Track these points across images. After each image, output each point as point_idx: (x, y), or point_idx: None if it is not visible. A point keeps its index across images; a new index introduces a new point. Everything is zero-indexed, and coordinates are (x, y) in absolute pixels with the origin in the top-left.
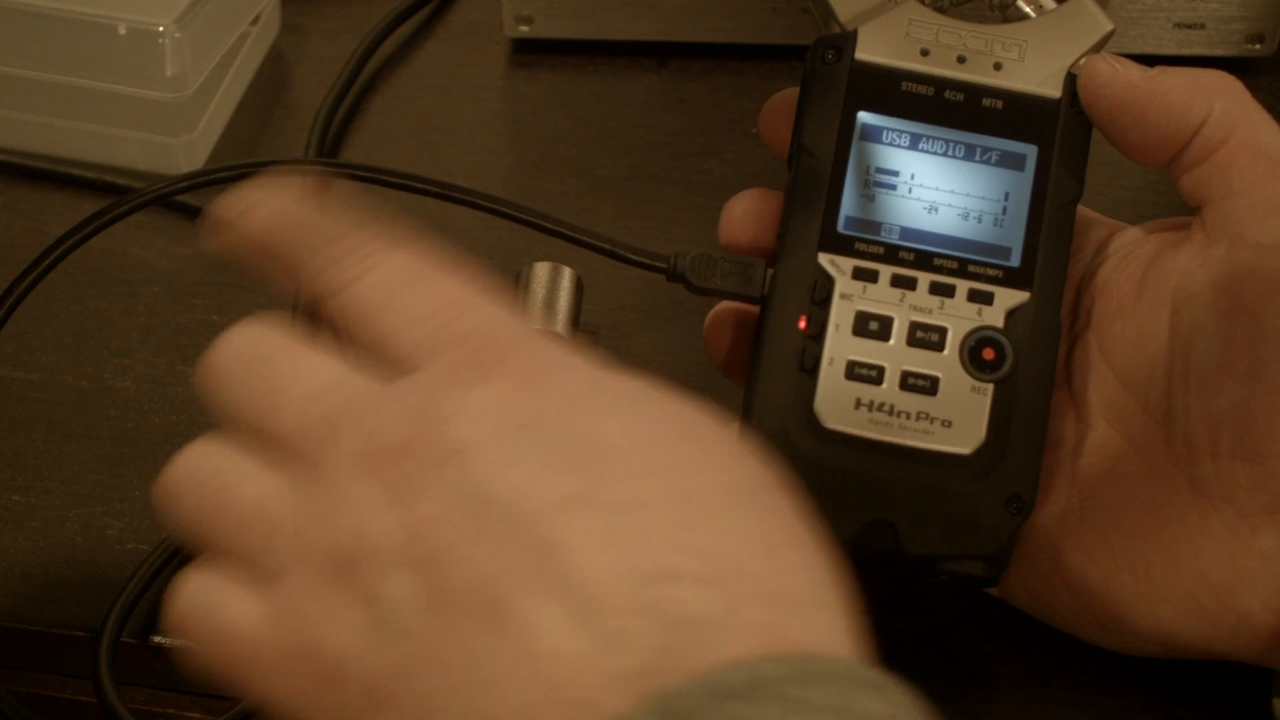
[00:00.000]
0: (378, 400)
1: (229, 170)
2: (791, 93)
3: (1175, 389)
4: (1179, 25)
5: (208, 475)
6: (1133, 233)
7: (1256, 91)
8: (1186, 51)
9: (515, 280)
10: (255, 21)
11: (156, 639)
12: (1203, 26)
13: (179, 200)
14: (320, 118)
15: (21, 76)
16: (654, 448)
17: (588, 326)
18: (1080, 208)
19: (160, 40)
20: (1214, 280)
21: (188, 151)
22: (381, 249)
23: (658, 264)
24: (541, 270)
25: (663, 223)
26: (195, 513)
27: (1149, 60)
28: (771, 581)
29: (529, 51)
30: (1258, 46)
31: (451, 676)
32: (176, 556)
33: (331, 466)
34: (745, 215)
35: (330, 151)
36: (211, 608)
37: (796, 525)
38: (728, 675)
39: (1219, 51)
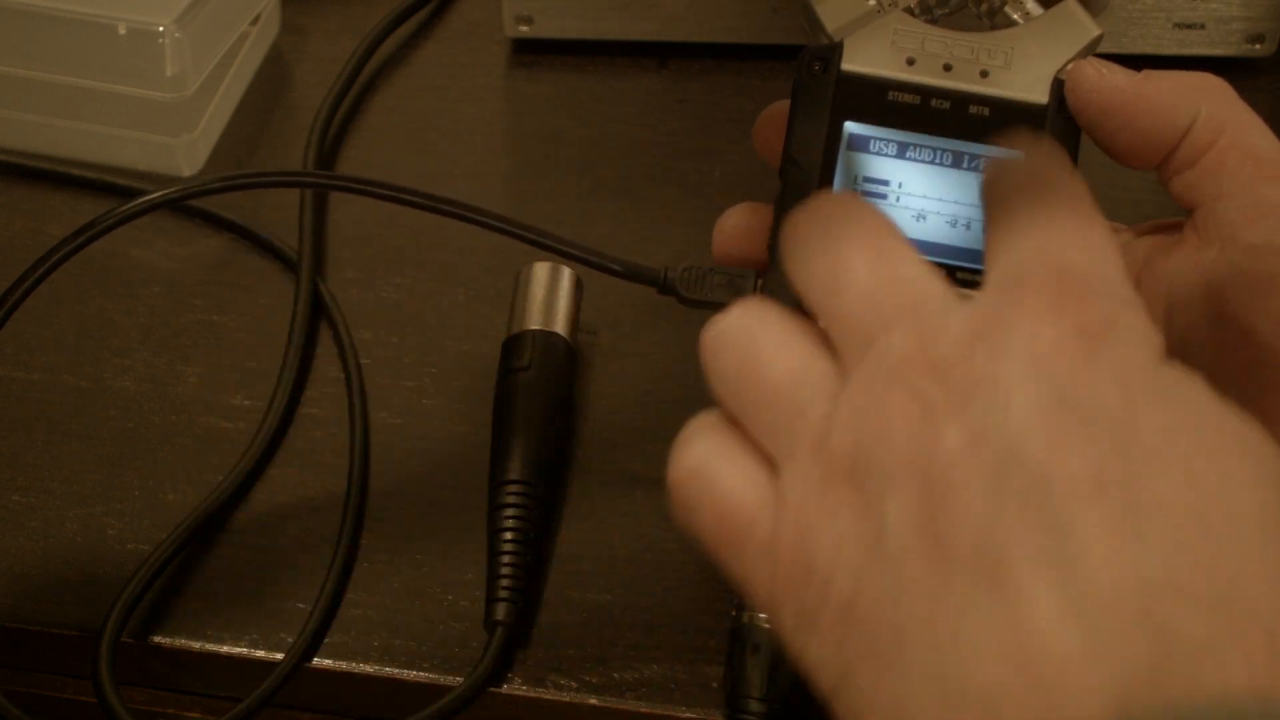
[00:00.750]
0: (942, 310)
1: (223, 181)
2: (784, 104)
3: None
4: (1179, 25)
5: (751, 337)
6: (1126, 235)
7: (1257, 91)
8: (1186, 51)
9: (515, 280)
10: (255, 21)
11: (156, 639)
12: (1203, 26)
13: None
14: (320, 118)
15: (21, 76)
16: (1192, 452)
17: (587, 326)
18: None
19: (160, 40)
20: (1206, 284)
21: (188, 151)
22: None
23: (648, 277)
24: (541, 270)
25: (663, 222)
26: (728, 372)
27: (1149, 60)
28: (1276, 622)
29: (529, 51)
30: (1258, 46)
31: (930, 623)
32: (177, 556)
33: (875, 365)
34: (737, 228)
35: (330, 151)
36: (715, 475)
37: None
38: (1208, 712)
39: (1219, 51)
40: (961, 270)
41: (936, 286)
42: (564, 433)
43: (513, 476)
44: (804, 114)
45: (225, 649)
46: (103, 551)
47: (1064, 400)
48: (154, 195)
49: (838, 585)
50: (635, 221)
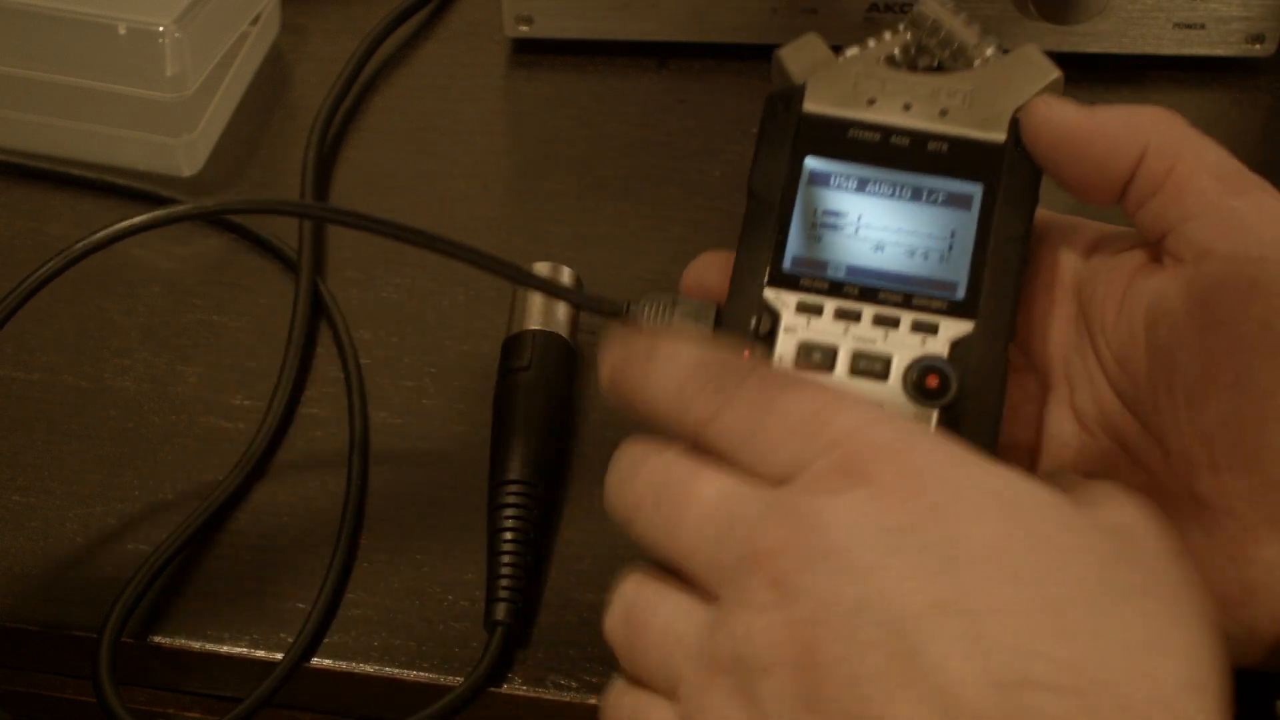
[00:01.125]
0: (759, 514)
1: (234, 206)
2: None
3: (1163, 406)
4: (1179, 25)
5: (629, 610)
6: (1118, 242)
7: (1257, 91)
8: (1186, 51)
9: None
10: (255, 21)
11: (156, 639)
12: (1203, 26)
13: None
14: (320, 118)
15: (21, 76)
16: (1016, 555)
17: (587, 326)
18: (1065, 215)
19: (160, 40)
20: (1187, 296)
21: (188, 151)
22: (731, 377)
23: (609, 309)
24: (542, 270)
25: (662, 223)
26: (624, 648)
27: (1149, 60)
28: (1128, 689)
29: (529, 51)
30: (1258, 46)
31: None
32: (177, 557)
33: (723, 579)
34: (707, 269)
35: (330, 152)
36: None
37: (1160, 627)
38: None
39: (1219, 51)
40: (919, 297)
41: (744, 496)
42: (564, 433)
43: (513, 476)
44: (767, 151)
45: (225, 649)
46: (103, 551)
47: (887, 545)
48: (143, 218)
49: None
50: (635, 221)
